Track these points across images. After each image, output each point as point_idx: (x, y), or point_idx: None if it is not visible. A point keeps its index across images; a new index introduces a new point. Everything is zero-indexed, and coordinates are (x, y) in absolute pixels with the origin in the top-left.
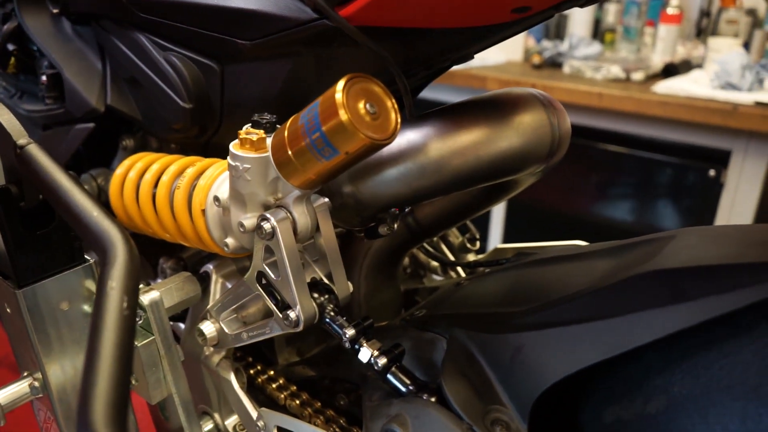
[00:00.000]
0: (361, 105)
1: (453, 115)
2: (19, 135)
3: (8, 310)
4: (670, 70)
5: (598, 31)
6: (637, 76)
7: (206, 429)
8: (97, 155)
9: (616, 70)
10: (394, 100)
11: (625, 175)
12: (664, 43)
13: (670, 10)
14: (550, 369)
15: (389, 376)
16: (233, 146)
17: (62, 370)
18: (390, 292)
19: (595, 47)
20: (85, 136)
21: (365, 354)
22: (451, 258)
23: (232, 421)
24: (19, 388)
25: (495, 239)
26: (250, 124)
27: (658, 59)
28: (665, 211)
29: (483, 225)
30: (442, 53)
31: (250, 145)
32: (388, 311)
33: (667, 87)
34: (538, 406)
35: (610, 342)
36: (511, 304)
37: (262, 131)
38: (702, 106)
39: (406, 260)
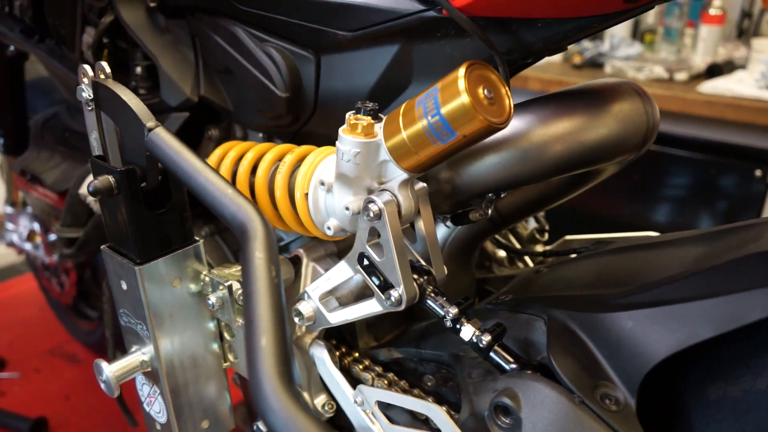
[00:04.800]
0: (480, 90)
1: (554, 103)
2: (148, 118)
3: (124, 287)
4: (714, 71)
5: (636, 32)
6: (681, 76)
7: None
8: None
9: (659, 70)
10: (508, 88)
11: (670, 175)
12: (705, 44)
13: (713, 11)
14: (660, 346)
15: (492, 354)
16: (343, 131)
17: (171, 344)
18: (467, 278)
19: (636, 48)
20: (180, 124)
21: (468, 332)
22: (519, 248)
23: (320, 400)
24: (129, 362)
25: None
26: (354, 111)
27: (699, 60)
28: (710, 210)
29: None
30: (545, 43)
31: (362, 131)
32: (466, 294)
33: (712, 87)
34: (646, 383)
35: (720, 319)
36: (607, 287)
37: (369, 117)
38: (748, 105)
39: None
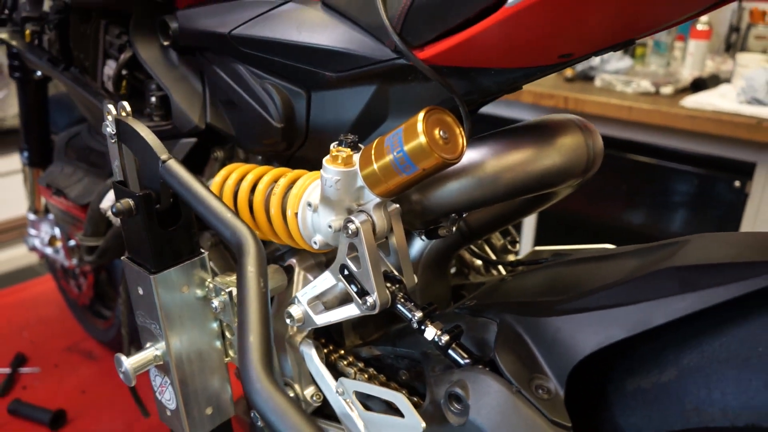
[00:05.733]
0: (436, 131)
1: (506, 138)
2: (162, 151)
3: (140, 292)
4: (699, 85)
5: None
6: (666, 90)
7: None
8: (190, 164)
9: (645, 84)
10: (462, 128)
11: (654, 185)
12: (693, 58)
13: (700, 26)
14: (583, 345)
15: (450, 351)
16: (326, 161)
17: (180, 341)
18: (442, 285)
19: (626, 61)
20: (189, 149)
21: (430, 332)
22: (494, 258)
23: (309, 391)
24: (145, 356)
25: (527, 243)
26: (337, 142)
27: (687, 74)
28: (692, 219)
29: (515, 229)
30: (498, 87)
31: (341, 161)
32: (440, 302)
33: (694, 101)
34: (575, 376)
35: (631, 324)
36: (551, 295)
37: (349, 149)
38: (728, 120)
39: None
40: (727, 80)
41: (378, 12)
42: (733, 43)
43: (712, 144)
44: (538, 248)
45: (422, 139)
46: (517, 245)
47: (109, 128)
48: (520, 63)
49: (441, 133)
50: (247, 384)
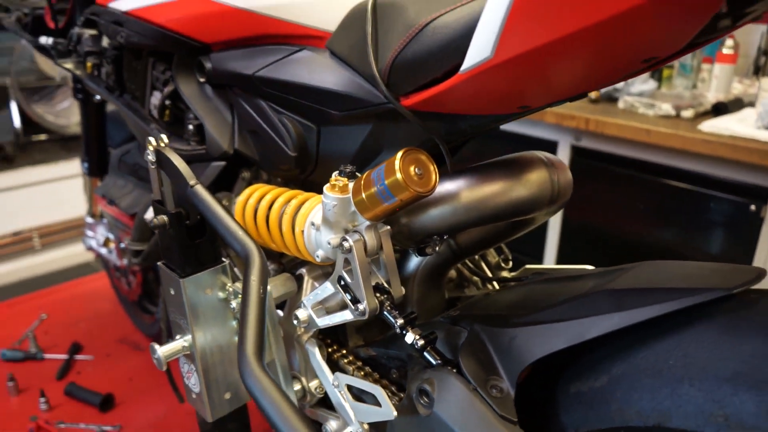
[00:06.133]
0: (411, 169)
1: (480, 172)
2: (190, 177)
3: (172, 292)
4: (720, 109)
5: None
6: (687, 113)
7: (296, 388)
8: (222, 182)
9: (666, 108)
10: (435, 166)
11: (671, 206)
12: (718, 81)
13: (725, 50)
14: (531, 352)
15: (425, 353)
16: (326, 188)
17: (204, 335)
18: (436, 297)
19: (650, 84)
20: (220, 171)
21: (410, 337)
22: (489, 274)
23: (314, 384)
24: (175, 345)
25: (550, 257)
26: (337, 172)
27: (712, 96)
28: (708, 241)
29: (539, 245)
30: (473, 129)
31: (338, 189)
32: (435, 312)
33: (712, 126)
34: (530, 380)
35: (570, 336)
36: (516, 309)
37: (345, 179)
38: (743, 145)
39: (454, 274)
40: (751, 104)
41: (371, 64)
42: (762, 66)
43: (728, 168)
44: (528, 266)
45: (399, 175)
46: (510, 263)
47: (150, 156)
48: (486, 111)
49: (416, 170)
50: (242, 366)
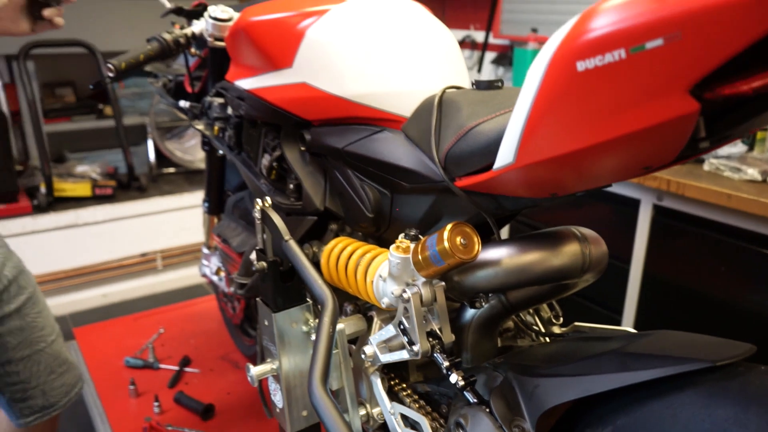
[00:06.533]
0: (458, 239)
1: (521, 243)
2: (285, 233)
3: (266, 323)
4: None
5: None
6: None
7: (361, 413)
8: (314, 232)
9: (752, 173)
10: (478, 238)
11: (753, 270)
12: None
13: None
14: (549, 400)
15: (464, 392)
16: (392, 248)
17: (288, 360)
18: (488, 345)
19: (739, 147)
20: (312, 223)
21: (453, 377)
22: (541, 328)
23: (376, 411)
24: (265, 367)
25: (629, 314)
26: (403, 235)
27: None
28: None
29: (619, 301)
30: (515, 207)
31: (401, 250)
32: (486, 357)
33: None
34: (554, 425)
35: (579, 389)
36: (545, 361)
37: (408, 241)
38: None
39: (512, 325)
40: None
41: (433, 150)
42: None
43: None
44: (577, 323)
45: (446, 244)
46: (561, 319)
47: (257, 214)
48: (522, 195)
49: (461, 240)
50: (310, 387)
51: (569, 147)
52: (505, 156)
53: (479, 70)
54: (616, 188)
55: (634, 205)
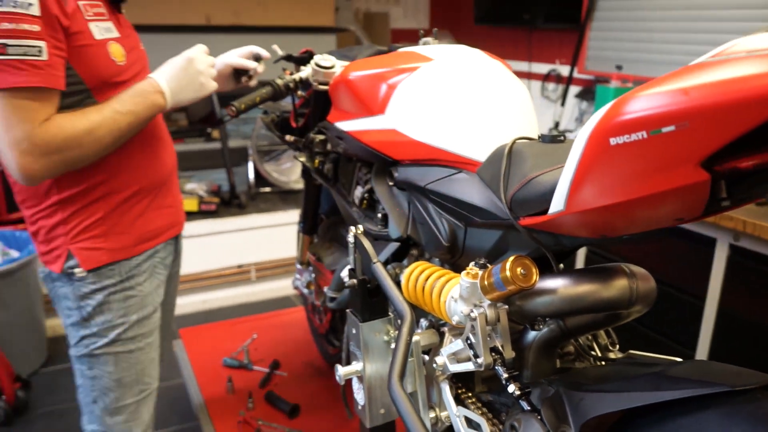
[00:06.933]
0: (518, 269)
1: (576, 275)
2: (373, 256)
3: (354, 331)
4: None
5: None
6: None
7: (431, 415)
8: (397, 255)
9: None
10: (536, 269)
11: None
12: None
13: None
14: (589, 412)
15: (520, 401)
16: (463, 274)
17: (371, 364)
18: (547, 364)
19: None
20: (396, 248)
21: (511, 388)
22: (598, 353)
23: (443, 414)
24: (351, 368)
25: (703, 349)
26: (473, 263)
27: None
28: None
29: (693, 336)
30: (572, 245)
31: (471, 276)
32: (544, 375)
33: None
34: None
35: (615, 404)
36: (593, 380)
37: (477, 269)
38: None
39: (572, 349)
40: None
41: (501, 193)
42: None
43: None
44: (632, 351)
45: (507, 273)
46: (617, 346)
47: (350, 238)
48: (576, 235)
49: (521, 271)
50: (390, 385)
51: (605, 202)
52: (557, 204)
53: (563, 104)
54: (693, 227)
55: (710, 243)
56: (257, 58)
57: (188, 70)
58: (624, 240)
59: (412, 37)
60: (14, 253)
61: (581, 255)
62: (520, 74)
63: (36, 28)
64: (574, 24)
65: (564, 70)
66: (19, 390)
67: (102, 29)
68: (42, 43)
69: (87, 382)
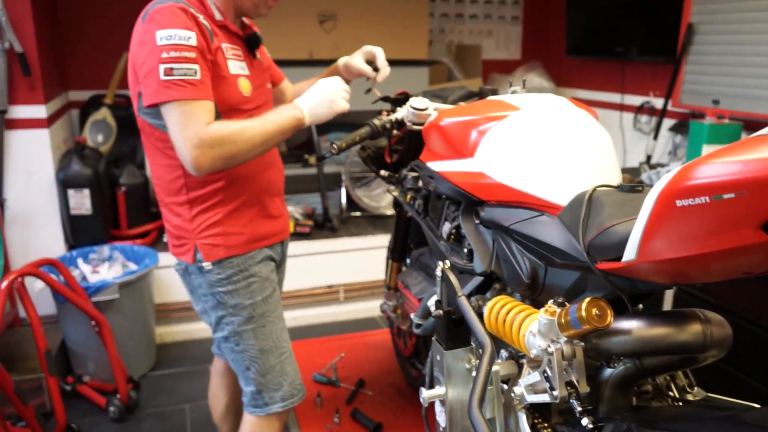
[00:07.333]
0: (593, 310)
1: (651, 318)
2: (458, 290)
3: (438, 357)
4: None
5: None
6: None
7: None
8: (481, 288)
9: None
10: (611, 310)
11: None
12: None
13: None
14: None
15: None
16: (542, 311)
17: (452, 390)
18: (623, 401)
19: None
20: (480, 282)
21: (584, 421)
22: (675, 394)
23: None
24: (434, 392)
25: None
26: (552, 301)
27: None
28: None
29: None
30: (647, 288)
31: (549, 313)
32: (620, 412)
33: None
34: None
35: None
36: (662, 420)
37: (556, 307)
38: None
39: (650, 388)
40: None
41: (580, 238)
42: None
43: None
44: (709, 395)
45: (583, 313)
46: (694, 388)
47: (438, 272)
48: (649, 280)
49: (596, 312)
50: (470, 409)
51: (671, 255)
52: (630, 252)
53: (655, 137)
54: None
55: None
56: (371, 62)
57: (321, 92)
58: (698, 286)
59: (504, 67)
60: (133, 266)
61: (669, 294)
62: (613, 106)
63: (193, 55)
64: (668, 57)
65: (658, 103)
66: (132, 390)
67: (237, 66)
68: (197, 66)
69: (237, 356)
